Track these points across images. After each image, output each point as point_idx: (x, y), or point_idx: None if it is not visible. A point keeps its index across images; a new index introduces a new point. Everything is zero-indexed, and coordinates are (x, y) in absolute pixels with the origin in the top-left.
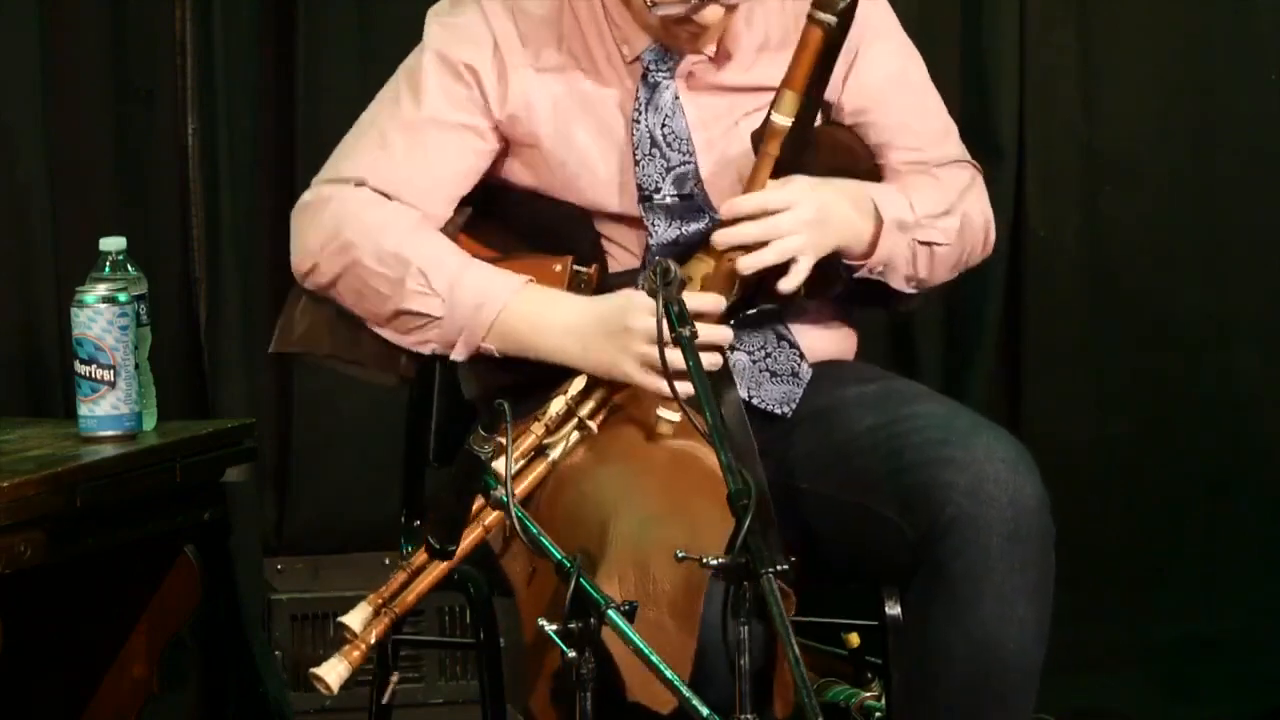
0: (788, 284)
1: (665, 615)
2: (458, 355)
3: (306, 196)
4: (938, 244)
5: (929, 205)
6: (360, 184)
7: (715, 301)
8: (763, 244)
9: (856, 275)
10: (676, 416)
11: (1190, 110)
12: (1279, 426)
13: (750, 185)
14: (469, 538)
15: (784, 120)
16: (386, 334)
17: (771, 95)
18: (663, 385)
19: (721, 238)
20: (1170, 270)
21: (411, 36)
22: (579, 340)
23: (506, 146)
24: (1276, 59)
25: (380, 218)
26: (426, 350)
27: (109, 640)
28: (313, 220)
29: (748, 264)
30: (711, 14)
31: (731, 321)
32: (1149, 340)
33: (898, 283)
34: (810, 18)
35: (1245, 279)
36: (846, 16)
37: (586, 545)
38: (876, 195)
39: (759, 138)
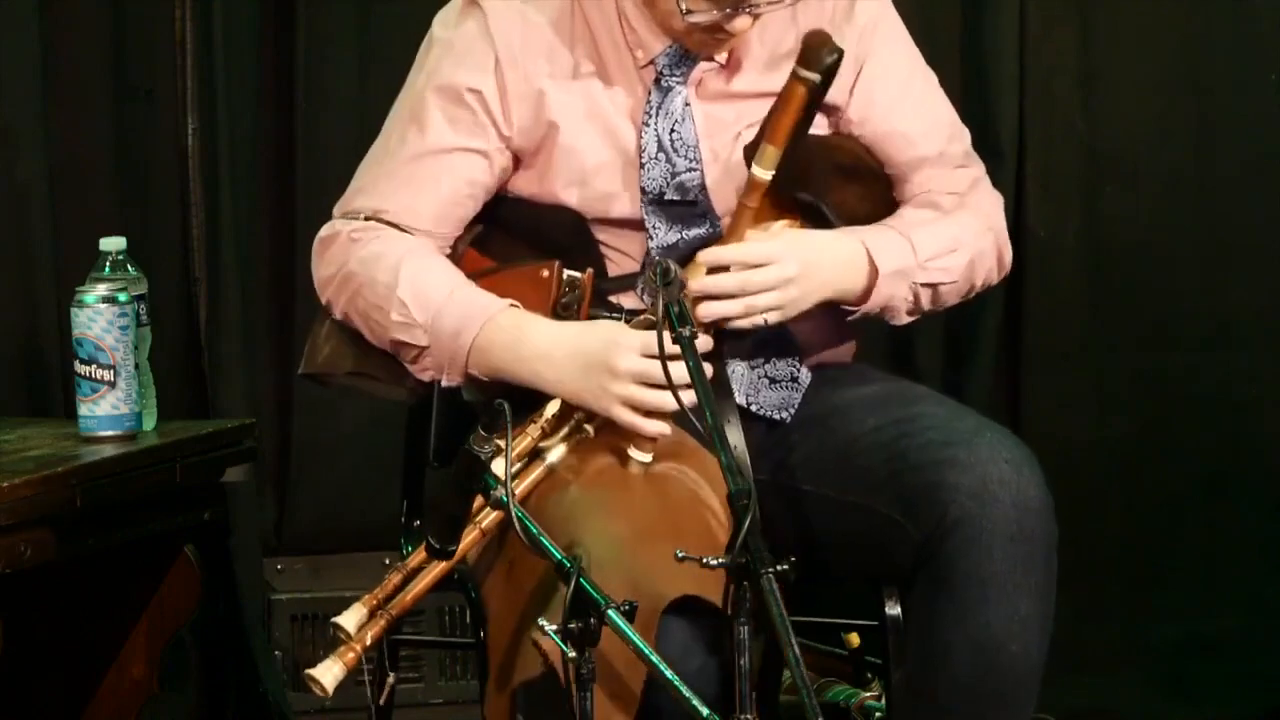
0: (740, 324)
1: (617, 649)
2: (448, 381)
3: (323, 232)
4: (942, 284)
5: (934, 245)
6: (370, 217)
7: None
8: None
9: (851, 319)
10: (648, 458)
11: (1190, 110)
12: (1279, 426)
13: (729, 237)
14: (466, 539)
15: (765, 175)
16: (400, 360)
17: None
18: (642, 424)
19: (697, 286)
20: (1170, 270)
21: (411, 37)
22: (553, 369)
23: (518, 161)
24: (1276, 59)
25: (377, 249)
26: (425, 377)
27: (109, 640)
28: (324, 255)
29: (706, 312)
30: (742, 23)
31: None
32: (1149, 340)
33: (898, 320)
34: (794, 75)
35: (1245, 279)
36: (830, 74)
37: (549, 570)
38: (873, 243)
39: (749, 158)
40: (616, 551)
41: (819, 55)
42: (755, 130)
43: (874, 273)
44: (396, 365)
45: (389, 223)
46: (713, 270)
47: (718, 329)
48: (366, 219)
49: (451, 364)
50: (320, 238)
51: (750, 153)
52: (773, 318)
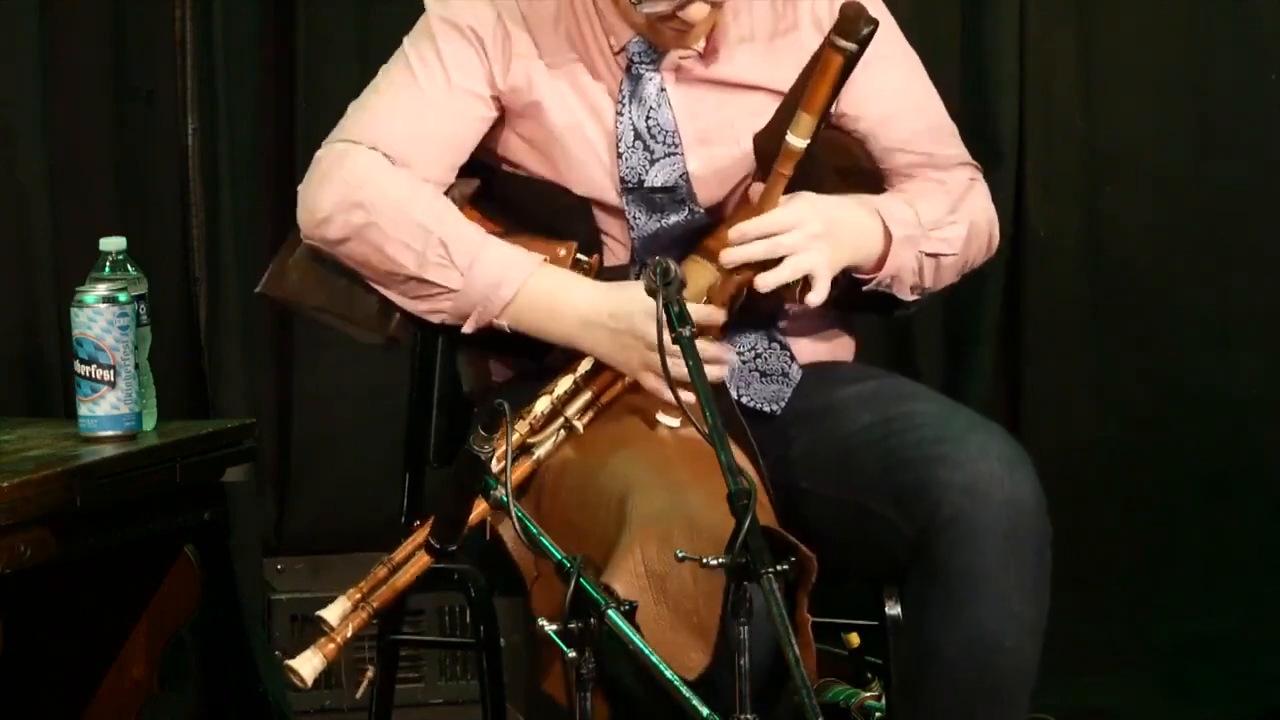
0: (814, 299)
1: (689, 582)
2: (469, 328)
3: (322, 152)
4: (944, 254)
5: (935, 215)
6: (372, 148)
7: (712, 314)
8: (776, 260)
9: (865, 289)
10: (676, 422)
11: (1190, 110)
12: (1279, 426)
13: (762, 205)
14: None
15: (800, 143)
16: (393, 296)
17: (764, 93)
18: (667, 390)
19: (729, 256)
20: (1170, 270)
21: None
22: (588, 330)
23: (502, 118)
24: (1276, 59)
25: (399, 184)
26: (436, 319)
27: (109, 640)
28: (326, 177)
29: (766, 281)
30: (696, 11)
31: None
32: (1149, 340)
33: (903, 293)
34: (831, 44)
35: (1245, 279)
36: (866, 44)
37: (604, 525)
38: (883, 209)
39: (763, 142)
40: (670, 498)
41: (856, 26)
42: (751, 123)
43: (888, 239)
44: (374, 309)
45: (389, 156)
46: (743, 240)
47: (751, 300)
48: (369, 148)
49: (481, 312)
50: (320, 156)
51: (763, 137)
52: (823, 277)
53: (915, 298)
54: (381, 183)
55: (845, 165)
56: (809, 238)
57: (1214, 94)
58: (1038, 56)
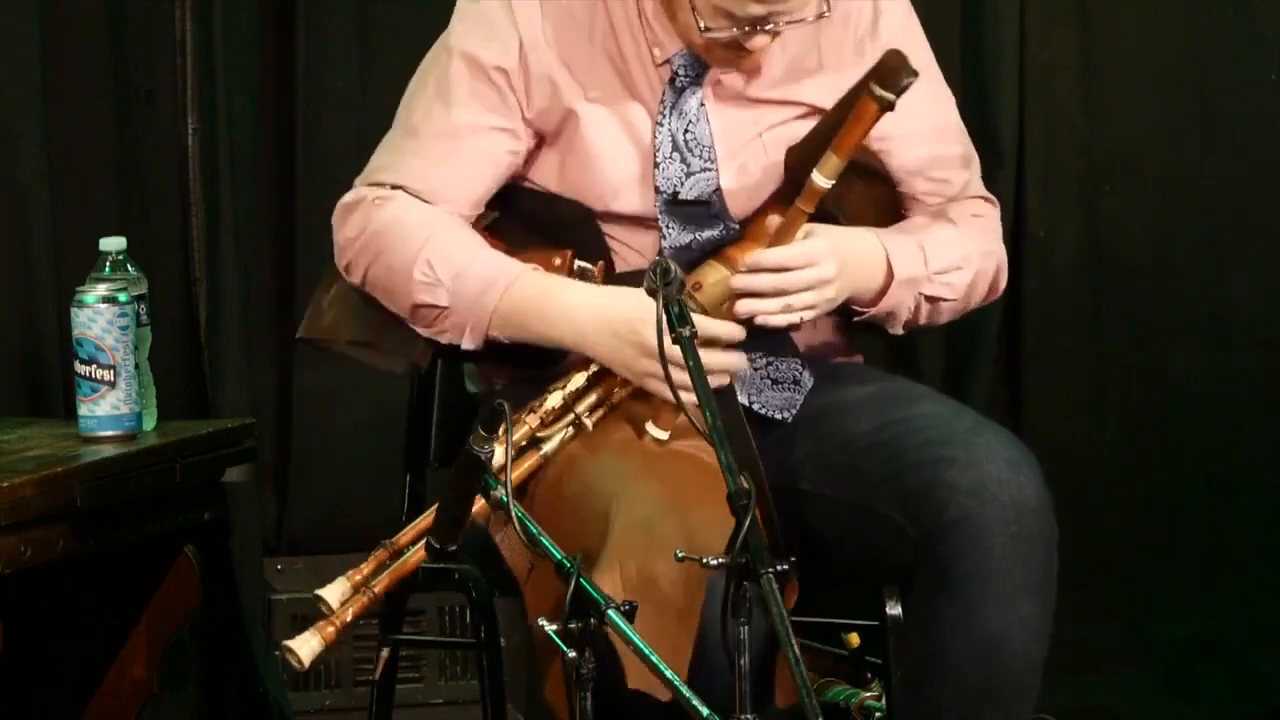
0: (777, 322)
1: (665, 611)
2: (468, 344)
3: (346, 197)
4: (944, 299)
5: (943, 258)
6: (396, 188)
7: (733, 331)
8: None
9: (856, 320)
10: (665, 435)
11: (1190, 110)
12: (1279, 426)
13: (779, 238)
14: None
15: (826, 183)
16: (416, 327)
17: (796, 110)
18: (669, 394)
19: (739, 283)
20: (1170, 270)
21: (411, 36)
22: (583, 334)
23: (540, 142)
24: (1276, 59)
25: (401, 212)
26: (444, 340)
27: (109, 640)
28: (347, 219)
29: (744, 309)
30: (760, 40)
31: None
32: (1149, 340)
33: (895, 329)
34: (870, 91)
35: (1245, 279)
36: (903, 93)
37: (587, 537)
38: (891, 247)
39: (794, 159)
40: (665, 508)
41: (898, 77)
42: (779, 135)
43: (889, 276)
44: (401, 336)
45: (415, 195)
46: (754, 270)
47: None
48: (393, 188)
49: (475, 326)
50: (343, 202)
51: (794, 156)
52: (807, 315)
53: (904, 332)
54: (386, 216)
55: (861, 164)
56: (818, 280)
57: (1214, 94)
58: (1038, 56)
